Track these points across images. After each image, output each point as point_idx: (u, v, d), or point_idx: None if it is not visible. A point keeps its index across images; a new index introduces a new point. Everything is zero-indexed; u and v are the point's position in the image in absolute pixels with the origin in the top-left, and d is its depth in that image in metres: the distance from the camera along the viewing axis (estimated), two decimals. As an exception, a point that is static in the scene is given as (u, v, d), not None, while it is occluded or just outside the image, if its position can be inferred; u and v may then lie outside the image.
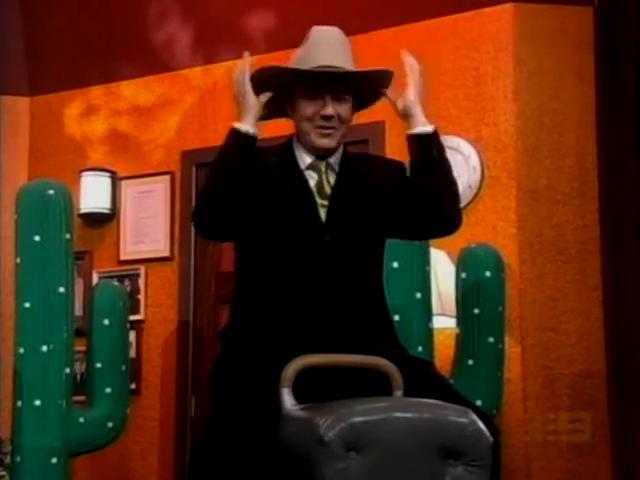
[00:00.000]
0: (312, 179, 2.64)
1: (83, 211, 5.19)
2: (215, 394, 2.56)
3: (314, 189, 2.62)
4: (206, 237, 2.77)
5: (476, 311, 3.65)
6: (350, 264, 2.55)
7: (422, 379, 2.44)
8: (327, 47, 2.61)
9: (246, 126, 2.53)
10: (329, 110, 2.58)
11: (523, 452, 4.25)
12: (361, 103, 2.73)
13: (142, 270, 5.17)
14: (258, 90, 2.66)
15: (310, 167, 2.65)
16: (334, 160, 2.67)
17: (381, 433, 2.11)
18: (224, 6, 5.18)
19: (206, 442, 2.45)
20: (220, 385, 2.54)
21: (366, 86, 2.68)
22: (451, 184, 2.66)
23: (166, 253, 5.14)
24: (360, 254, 2.59)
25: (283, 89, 2.63)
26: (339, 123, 2.61)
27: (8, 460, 3.47)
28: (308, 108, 2.60)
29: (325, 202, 2.61)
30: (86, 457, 3.65)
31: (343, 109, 2.61)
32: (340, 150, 2.69)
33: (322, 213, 2.58)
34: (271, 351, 2.41)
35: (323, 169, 2.64)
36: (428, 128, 2.59)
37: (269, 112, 2.74)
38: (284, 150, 2.69)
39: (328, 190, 2.63)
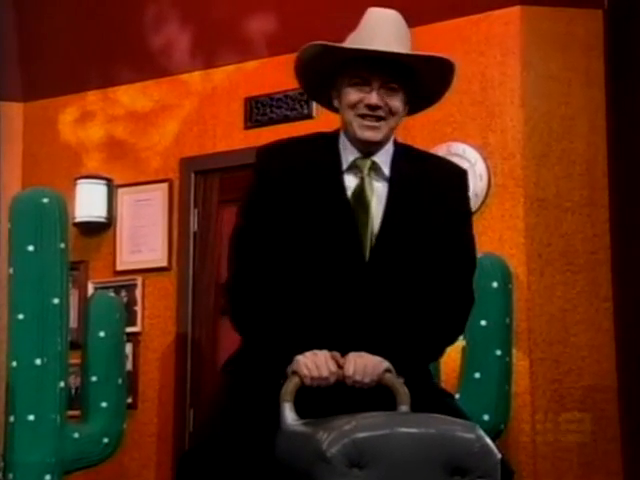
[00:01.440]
0: (352, 184, 2.41)
1: (78, 220, 5.19)
2: (219, 397, 2.51)
3: (353, 200, 2.39)
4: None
5: (483, 323, 3.66)
6: (386, 303, 2.40)
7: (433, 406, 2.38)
8: (380, 30, 2.41)
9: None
10: (374, 99, 2.37)
11: (532, 468, 4.24)
12: (417, 103, 2.52)
13: (139, 281, 5.16)
14: (303, 75, 2.50)
15: (351, 168, 2.43)
16: (382, 159, 2.45)
17: (385, 449, 2.10)
18: (224, 9, 5.19)
19: (197, 450, 2.41)
20: (227, 389, 2.50)
21: (424, 79, 2.46)
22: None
23: (164, 263, 5.14)
24: (397, 295, 2.40)
25: (329, 75, 2.46)
26: (388, 114, 2.40)
27: (0, 477, 3.46)
28: (352, 95, 2.39)
29: (364, 216, 2.38)
30: (81, 474, 3.64)
31: (393, 99, 2.40)
32: (390, 148, 2.47)
33: (366, 246, 2.37)
34: (280, 367, 2.38)
35: (366, 171, 2.42)
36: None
37: (316, 97, 2.59)
38: (328, 146, 2.47)
39: (369, 203, 2.40)
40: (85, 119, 5.47)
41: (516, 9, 4.56)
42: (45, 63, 5.53)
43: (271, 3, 5.08)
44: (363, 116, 2.40)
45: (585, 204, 4.49)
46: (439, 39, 4.69)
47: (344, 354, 2.34)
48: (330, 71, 2.45)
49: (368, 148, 2.43)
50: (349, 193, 2.41)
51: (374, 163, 2.44)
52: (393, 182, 2.44)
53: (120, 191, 5.29)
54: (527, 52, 4.55)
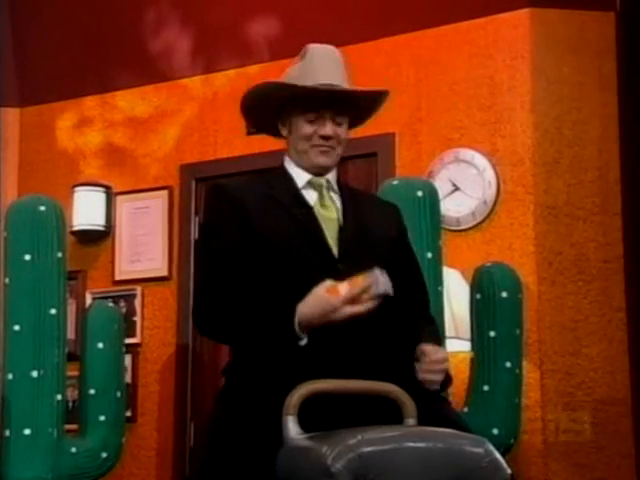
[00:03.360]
0: (312, 198, 2.66)
1: (76, 228, 5.19)
2: (215, 422, 2.55)
3: (317, 209, 2.63)
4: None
5: (492, 334, 3.65)
6: None
7: (432, 418, 2.41)
8: (324, 65, 2.67)
9: (304, 340, 2.42)
10: (328, 130, 2.65)
11: (543, 484, 4.24)
12: (352, 121, 2.77)
13: (138, 290, 5.16)
14: (251, 107, 2.73)
15: (309, 185, 2.68)
16: (332, 178, 2.72)
17: (392, 464, 2.10)
18: (225, 12, 5.20)
19: (201, 472, 2.43)
20: (221, 414, 2.53)
21: (361, 105, 2.74)
22: None
23: (164, 272, 5.14)
24: None
25: (277, 106, 2.68)
26: (336, 143, 2.67)
27: (-4, 493, 3.46)
28: (306, 127, 2.66)
29: (333, 223, 2.62)
30: (78, 489, 3.64)
31: (341, 130, 2.68)
32: (335, 171, 2.75)
33: (332, 245, 2.58)
34: (279, 379, 2.39)
35: (324, 184, 2.69)
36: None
37: (259, 128, 2.82)
38: (278, 174, 2.72)
39: (331, 207, 2.66)
40: (83, 125, 5.48)
41: (525, 11, 4.57)
42: (42, 68, 5.55)
43: (272, 7, 5.09)
44: (317, 146, 2.66)
45: (597, 212, 4.49)
46: (446, 42, 4.71)
47: (331, 356, 2.43)
48: (276, 105, 2.69)
49: (321, 171, 2.69)
50: (311, 202, 2.65)
51: (327, 181, 2.70)
52: (343, 195, 2.72)
53: (119, 198, 5.29)
54: (537, 56, 4.55)
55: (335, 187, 2.72)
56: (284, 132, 2.72)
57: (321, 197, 2.67)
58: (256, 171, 2.91)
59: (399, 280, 2.57)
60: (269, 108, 2.70)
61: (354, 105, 2.71)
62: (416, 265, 2.79)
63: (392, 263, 2.60)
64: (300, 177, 2.69)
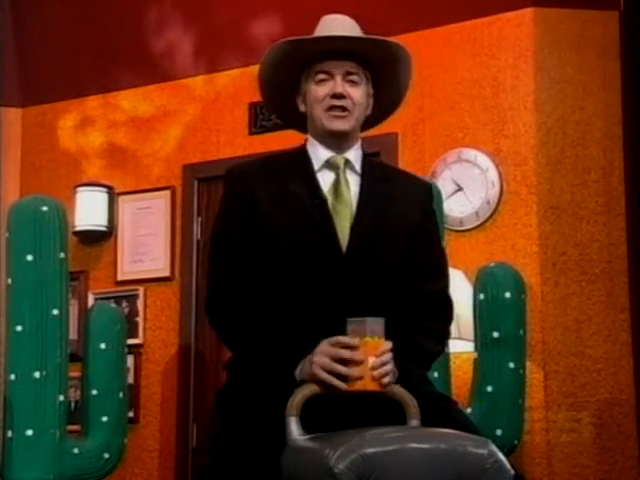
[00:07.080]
0: (327, 181, 2.59)
1: (78, 229, 5.20)
2: (218, 423, 2.55)
3: (329, 196, 2.56)
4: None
5: (495, 335, 3.65)
6: (368, 295, 2.51)
7: (439, 419, 2.40)
8: (335, 26, 2.65)
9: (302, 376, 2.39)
10: (339, 88, 2.57)
11: (546, 485, 4.24)
12: (379, 112, 2.73)
13: (141, 291, 5.17)
14: (269, 90, 2.71)
15: (326, 165, 2.61)
16: (353, 157, 2.63)
17: (395, 465, 2.10)
18: (228, 12, 5.20)
19: (205, 473, 2.45)
20: (224, 414, 2.53)
21: (383, 74, 2.67)
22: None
23: (166, 273, 5.15)
24: (378, 287, 2.53)
25: (290, 80, 2.64)
26: (352, 105, 2.59)
27: (-2, 494, 3.46)
28: (318, 89, 2.59)
29: (343, 208, 2.55)
30: (81, 490, 3.64)
31: (356, 92, 2.60)
32: (359, 149, 2.67)
33: (342, 240, 2.51)
34: (281, 378, 2.40)
35: (341, 166, 2.61)
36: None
37: (283, 119, 2.81)
38: (296, 152, 2.67)
39: (347, 195, 2.57)
40: (85, 125, 5.48)
41: (529, 11, 4.57)
42: (44, 67, 5.55)
43: (275, 6, 5.10)
44: (331, 108, 2.59)
45: (601, 212, 4.49)
46: (450, 42, 4.71)
47: None
48: (291, 79, 2.65)
49: (339, 142, 2.62)
50: (325, 189, 2.58)
51: (347, 160, 2.62)
52: (365, 177, 2.63)
53: (121, 199, 5.30)
54: (540, 55, 4.55)
55: (357, 167, 2.62)
56: (302, 107, 2.66)
57: (337, 182, 2.58)
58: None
59: (415, 272, 2.56)
60: (284, 81, 2.65)
61: (370, 62, 2.64)
62: (435, 253, 2.68)
63: (409, 255, 2.57)
64: (318, 157, 2.61)
